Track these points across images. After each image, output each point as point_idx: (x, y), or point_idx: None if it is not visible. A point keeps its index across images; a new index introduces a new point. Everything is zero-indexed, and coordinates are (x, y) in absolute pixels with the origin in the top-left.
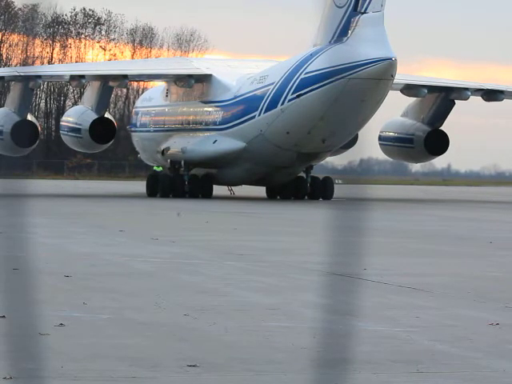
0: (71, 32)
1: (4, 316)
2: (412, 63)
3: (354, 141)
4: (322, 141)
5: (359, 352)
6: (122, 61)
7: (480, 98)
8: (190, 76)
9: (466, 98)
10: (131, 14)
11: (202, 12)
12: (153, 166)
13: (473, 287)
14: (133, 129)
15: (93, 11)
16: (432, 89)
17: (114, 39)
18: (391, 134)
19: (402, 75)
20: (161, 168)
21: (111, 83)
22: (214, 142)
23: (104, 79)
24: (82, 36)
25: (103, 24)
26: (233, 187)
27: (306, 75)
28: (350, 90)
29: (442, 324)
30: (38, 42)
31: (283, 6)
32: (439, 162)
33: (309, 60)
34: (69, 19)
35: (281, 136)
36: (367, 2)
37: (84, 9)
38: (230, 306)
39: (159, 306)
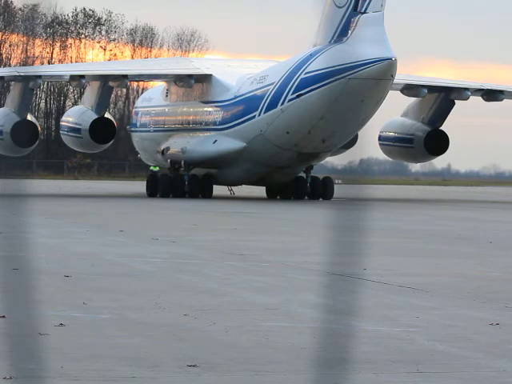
0: (71, 32)
1: (4, 316)
2: (412, 63)
3: (353, 141)
4: (322, 141)
5: (359, 352)
6: (122, 61)
7: (480, 98)
8: (190, 76)
9: (466, 98)
10: (131, 14)
11: (203, 12)
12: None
13: (473, 287)
14: (133, 129)
15: (93, 11)
16: (432, 89)
17: (114, 39)
18: (391, 134)
19: (402, 75)
20: (158, 168)
21: (111, 83)
22: (214, 142)
23: (104, 79)
24: (82, 36)
25: (103, 24)
26: (233, 187)
27: (306, 75)
28: (350, 90)
29: (442, 324)
30: (38, 42)
31: (283, 6)
32: (439, 162)
33: (309, 60)
34: (69, 19)
35: (281, 136)
36: (367, 2)
37: (84, 9)
38: (230, 306)
39: (159, 306)
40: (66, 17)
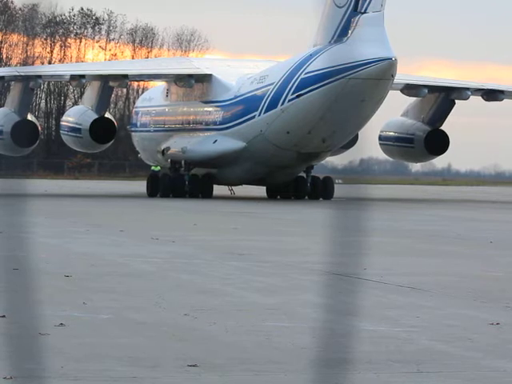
0: (71, 32)
1: (4, 316)
2: (412, 63)
3: (354, 141)
4: (322, 141)
5: (359, 352)
6: (122, 61)
7: (480, 97)
8: (190, 76)
9: (467, 98)
10: (132, 13)
11: (203, 12)
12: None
13: (473, 287)
14: (133, 129)
15: (91, 11)
16: (432, 89)
17: (114, 39)
18: (391, 133)
19: (402, 75)
20: (159, 168)
21: (111, 83)
22: (214, 142)
23: (104, 79)
24: (82, 36)
25: (102, 24)
26: (233, 187)
27: (306, 75)
28: (350, 89)
29: (442, 324)
30: (37, 41)
31: (283, 6)
32: (439, 162)
33: (309, 60)
34: (68, 19)
35: (281, 136)
36: (367, 2)
37: (82, 8)
38: (230, 306)
39: (159, 306)
40: (63, 16)
